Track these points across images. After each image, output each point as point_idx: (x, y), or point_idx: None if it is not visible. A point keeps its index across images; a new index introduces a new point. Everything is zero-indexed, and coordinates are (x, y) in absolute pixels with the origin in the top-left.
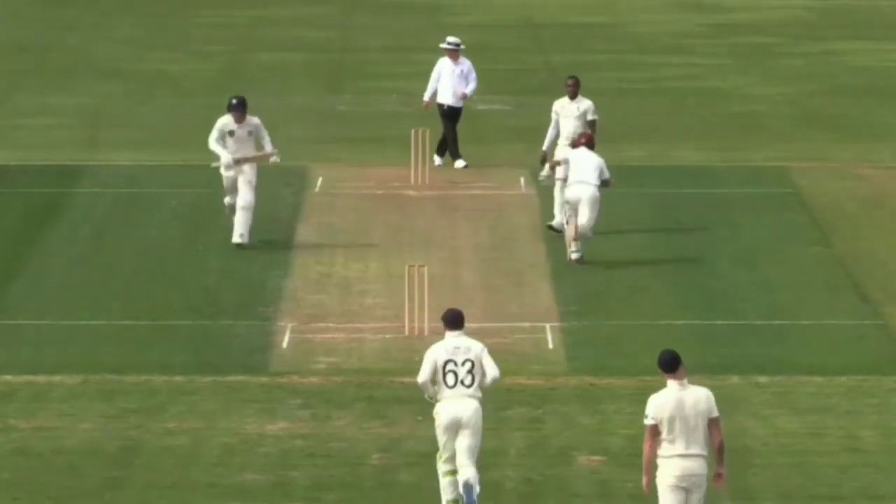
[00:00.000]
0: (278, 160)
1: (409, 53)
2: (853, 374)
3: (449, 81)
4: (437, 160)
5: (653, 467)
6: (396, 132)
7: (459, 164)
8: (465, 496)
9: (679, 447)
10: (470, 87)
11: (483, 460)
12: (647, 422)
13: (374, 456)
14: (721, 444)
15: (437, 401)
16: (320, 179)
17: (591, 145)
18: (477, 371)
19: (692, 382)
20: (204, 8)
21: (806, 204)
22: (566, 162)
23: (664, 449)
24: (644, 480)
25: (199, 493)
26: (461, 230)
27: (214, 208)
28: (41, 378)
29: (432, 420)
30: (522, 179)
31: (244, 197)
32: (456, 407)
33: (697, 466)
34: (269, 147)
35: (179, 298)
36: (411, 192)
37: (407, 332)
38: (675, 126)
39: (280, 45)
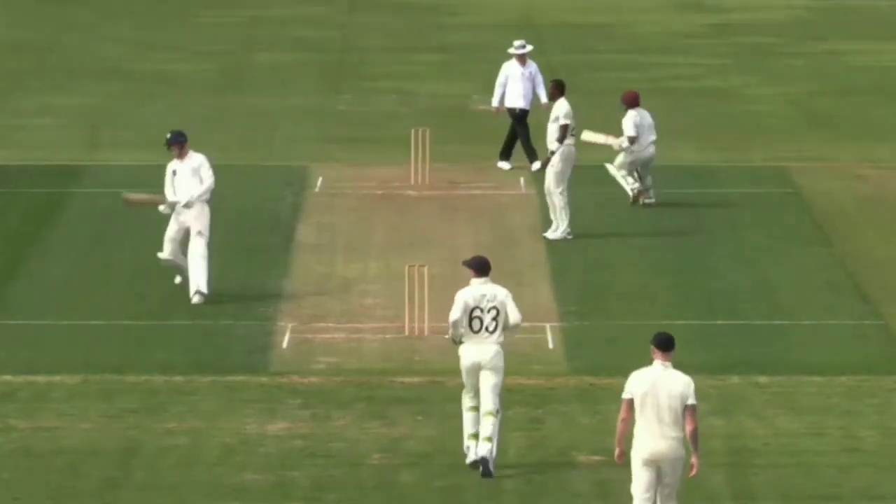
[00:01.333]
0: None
1: (409, 53)
2: (853, 374)
3: (518, 85)
4: (506, 165)
5: (626, 439)
6: (396, 132)
7: (535, 165)
8: (481, 467)
9: (648, 426)
10: (542, 92)
11: None
12: (624, 395)
13: (374, 456)
14: (694, 432)
15: (459, 342)
16: (320, 179)
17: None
18: (501, 318)
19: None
20: (204, 8)
21: (806, 204)
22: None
23: (637, 425)
24: (616, 452)
25: (199, 493)
26: (461, 230)
27: (214, 208)
28: (41, 378)
29: (432, 419)
30: (522, 179)
31: (199, 248)
32: (476, 351)
33: (666, 447)
34: (207, 183)
35: (179, 298)
36: (411, 192)
37: (407, 332)
38: (675, 126)
39: (280, 45)
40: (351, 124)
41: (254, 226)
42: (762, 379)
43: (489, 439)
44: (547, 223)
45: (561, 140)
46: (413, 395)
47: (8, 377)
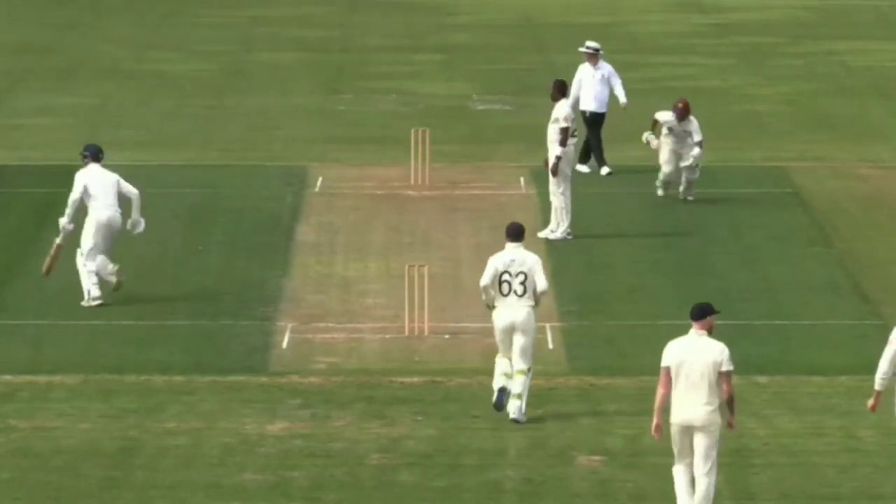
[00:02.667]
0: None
1: (409, 53)
2: (853, 374)
3: (590, 87)
4: (584, 168)
5: (662, 410)
6: (396, 132)
7: (605, 170)
8: (496, 396)
9: (683, 394)
10: (621, 92)
11: (483, 460)
12: (661, 364)
13: (374, 456)
14: (731, 397)
15: (492, 307)
16: (320, 179)
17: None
18: (529, 282)
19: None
20: (204, 8)
21: (806, 204)
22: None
23: (673, 394)
24: (654, 422)
25: (199, 493)
26: (461, 230)
27: (214, 208)
28: (41, 378)
29: (432, 419)
30: (522, 179)
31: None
32: (509, 313)
33: (701, 414)
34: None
35: (179, 298)
36: (411, 192)
37: (407, 332)
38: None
39: (280, 45)
40: (351, 124)
41: (254, 225)
42: (762, 379)
43: (518, 396)
44: (547, 223)
45: (563, 143)
46: (413, 395)
47: (8, 377)
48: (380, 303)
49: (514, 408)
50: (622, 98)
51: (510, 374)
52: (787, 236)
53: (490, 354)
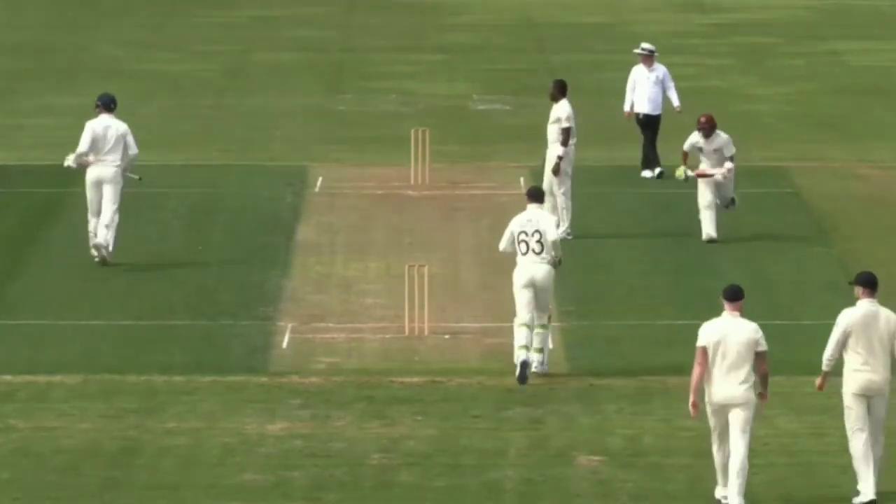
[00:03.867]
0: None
1: (409, 53)
2: None
3: (644, 89)
4: (649, 174)
5: (700, 389)
6: (396, 132)
7: (647, 173)
8: (519, 371)
9: (720, 373)
10: (674, 95)
11: (483, 460)
12: (698, 344)
13: (374, 456)
14: (765, 375)
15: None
16: (320, 179)
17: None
18: (545, 240)
19: None
20: (204, 8)
21: (806, 204)
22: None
23: (710, 372)
24: (690, 401)
25: (199, 493)
26: (461, 230)
27: (214, 208)
28: (41, 378)
29: (432, 419)
30: (522, 179)
31: (107, 215)
32: (530, 269)
33: (738, 393)
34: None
35: (179, 298)
36: (411, 192)
37: (407, 332)
38: (675, 126)
39: (280, 45)
40: (351, 124)
41: (254, 226)
42: None
43: (539, 350)
44: None
45: (565, 143)
46: (413, 395)
47: (8, 377)
48: (380, 303)
49: (536, 359)
50: (675, 101)
51: (529, 345)
52: (787, 236)
53: (490, 355)
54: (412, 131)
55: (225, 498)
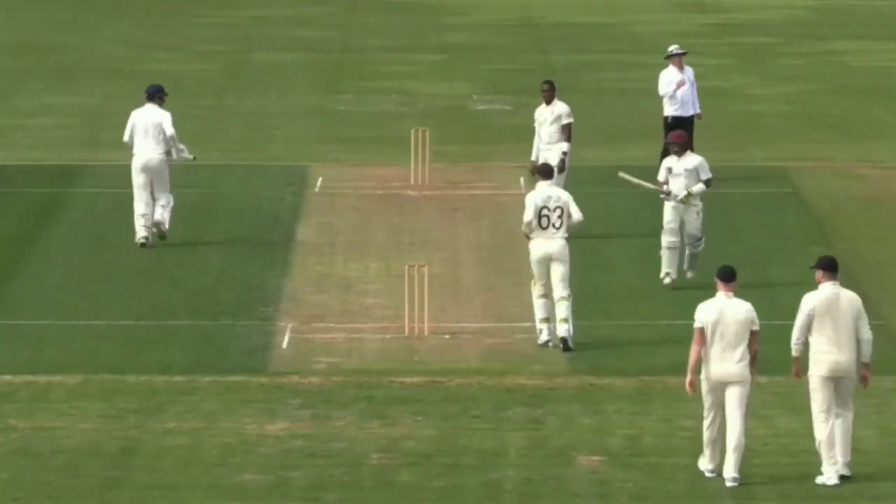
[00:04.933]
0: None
1: (409, 53)
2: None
3: (678, 91)
4: None
5: (697, 368)
6: (396, 132)
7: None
8: (562, 344)
9: (717, 352)
10: (697, 100)
11: (483, 460)
12: (695, 325)
13: (374, 456)
14: (755, 354)
15: (530, 238)
16: (320, 179)
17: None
18: (565, 215)
19: None
20: (204, 8)
21: (806, 204)
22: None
23: (707, 351)
24: (688, 379)
25: (199, 493)
26: (461, 230)
27: (214, 208)
28: (41, 378)
29: (432, 419)
30: (522, 179)
31: (162, 198)
32: (546, 244)
33: (735, 370)
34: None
35: (179, 298)
36: (411, 192)
37: (407, 332)
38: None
39: (280, 45)
40: (351, 124)
41: (254, 226)
42: (762, 379)
43: (566, 320)
44: None
45: (569, 139)
46: (413, 395)
47: (8, 377)
48: (380, 303)
49: (562, 329)
50: (697, 107)
51: (550, 318)
52: (787, 236)
53: (490, 355)
54: (412, 131)
55: (225, 498)
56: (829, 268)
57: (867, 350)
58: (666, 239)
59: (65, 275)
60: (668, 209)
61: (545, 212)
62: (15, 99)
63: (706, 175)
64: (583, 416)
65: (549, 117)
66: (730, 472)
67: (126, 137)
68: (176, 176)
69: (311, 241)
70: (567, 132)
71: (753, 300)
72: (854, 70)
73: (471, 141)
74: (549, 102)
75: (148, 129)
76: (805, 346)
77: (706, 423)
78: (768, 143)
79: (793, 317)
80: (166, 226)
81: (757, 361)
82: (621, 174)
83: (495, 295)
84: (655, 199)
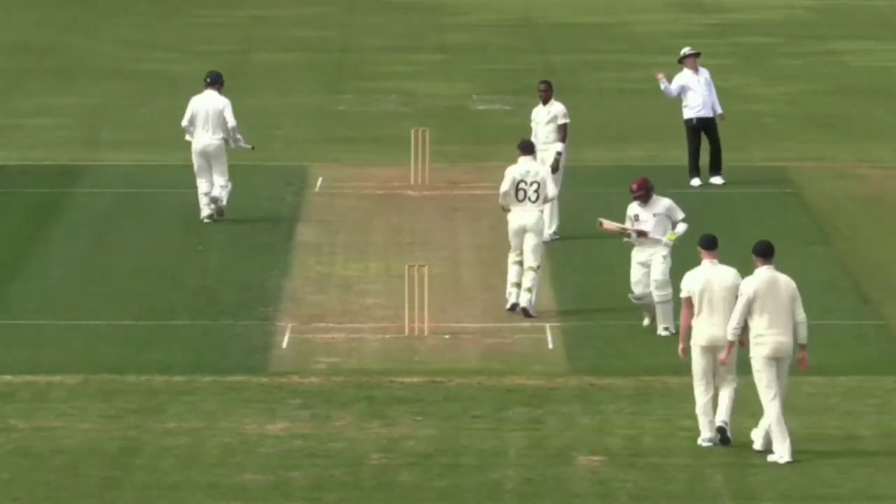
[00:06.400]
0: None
1: (409, 53)
2: (853, 374)
3: (697, 92)
4: (719, 180)
5: (688, 334)
6: (396, 132)
7: (695, 182)
8: (520, 310)
9: (706, 317)
10: (717, 101)
11: (483, 460)
12: (682, 295)
13: (374, 456)
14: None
15: (507, 210)
16: (320, 179)
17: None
18: (541, 190)
19: None
20: (204, 8)
21: (806, 204)
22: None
23: (696, 318)
24: (681, 346)
25: (199, 493)
26: (461, 230)
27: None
28: (41, 378)
29: (432, 419)
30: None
31: (220, 181)
32: (522, 216)
33: (723, 334)
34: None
35: (179, 298)
36: (411, 192)
37: (407, 332)
38: (675, 126)
39: (280, 45)
40: (351, 124)
41: (254, 225)
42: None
43: (529, 290)
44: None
45: (564, 139)
46: (413, 395)
47: (8, 377)
48: (380, 303)
49: (524, 299)
50: (717, 108)
51: (519, 283)
52: (787, 236)
53: (490, 355)
54: (412, 131)
55: (225, 498)
56: (765, 253)
57: (803, 332)
58: (633, 274)
59: (65, 275)
60: (635, 267)
61: (522, 185)
62: (15, 99)
63: (679, 215)
64: (583, 416)
65: (545, 117)
66: (721, 416)
67: (185, 122)
68: (176, 176)
69: (311, 241)
70: (563, 132)
71: None
72: (854, 70)
73: (471, 141)
74: (545, 102)
75: (208, 115)
76: (743, 330)
77: (700, 390)
78: (768, 143)
79: None
80: (223, 202)
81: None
82: (602, 221)
83: (495, 295)
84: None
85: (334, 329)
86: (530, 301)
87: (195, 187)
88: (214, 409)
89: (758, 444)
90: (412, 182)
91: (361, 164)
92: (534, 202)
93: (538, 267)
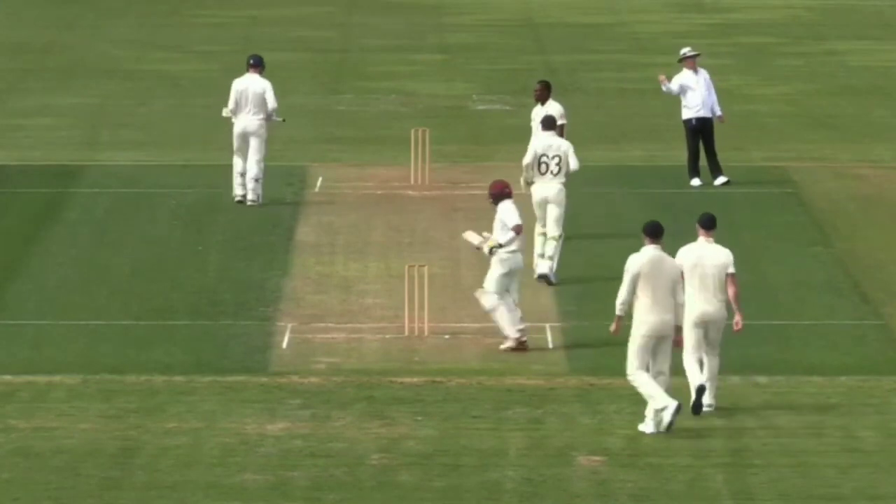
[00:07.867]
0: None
1: (409, 53)
2: (853, 374)
3: (697, 93)
4: (723, 179)
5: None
6: (396, 132)
7: (696, 182)
8: (545, 280)
9: (697, 292)
10: (716, 102)
11: (483, 460)
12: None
13: (374, 456)
14: (736, 295)
15: (530, 183)
16: (320, 179)
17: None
18: (563, 163)
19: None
20: (204, 8)
21: (806, 204)
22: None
23: (689, 295)
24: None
25: (199, 493)
26: (461, 230)
27: (214, 208)
28: (41, 378)
29: (432, 419)
30: (522, 179)
31: (253, 168)
32: (544, 188)
33: (713, 310)
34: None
35: (179, 298)
36: (411, 192)
37: (407, 332)
38: (675, 126)
39: (280, 45)
40: (351, 124)
41: (254, 225)
42: (762, 379)
43: (551, 258)
44: None
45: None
46: (413, 395)
47: (8, 377)
48: (380, 303)
49: (545, 266)
50: (717, 110)
51: (543, 254)
52: (787, 236)
53: (490, 355)
54: (412, 131)
55: (225, 498)
56: (653, 233)
57: (682, 313)
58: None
59: (65, 275)
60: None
61: (544, 159)
62: (15, 99)
63: (510, 222)
64: (583, 416)
65: (539, 119)
66: (707, 399)
67: (231, 105)
68: (176, 176)
69: (311, 241)
70: (560, 133)
71: (753, 299)
72: (854, 70)
73: (471, 141)
74: (542, 102)
75: (252, 97)
76: (630, 305)
77: (692, 360)
78: (768, 143)
79: (793, 316)
80: (259, 200)
81: (740, 301)
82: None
83: None
84: (655, 200)
85: (334, 329)
86: (551, 268)
87: (195, 187)
88: (214, 409)
89: (649, 428)
90: (412, 182)
91: (361, 164)
92: (555, 175)
93: (560, 236)
